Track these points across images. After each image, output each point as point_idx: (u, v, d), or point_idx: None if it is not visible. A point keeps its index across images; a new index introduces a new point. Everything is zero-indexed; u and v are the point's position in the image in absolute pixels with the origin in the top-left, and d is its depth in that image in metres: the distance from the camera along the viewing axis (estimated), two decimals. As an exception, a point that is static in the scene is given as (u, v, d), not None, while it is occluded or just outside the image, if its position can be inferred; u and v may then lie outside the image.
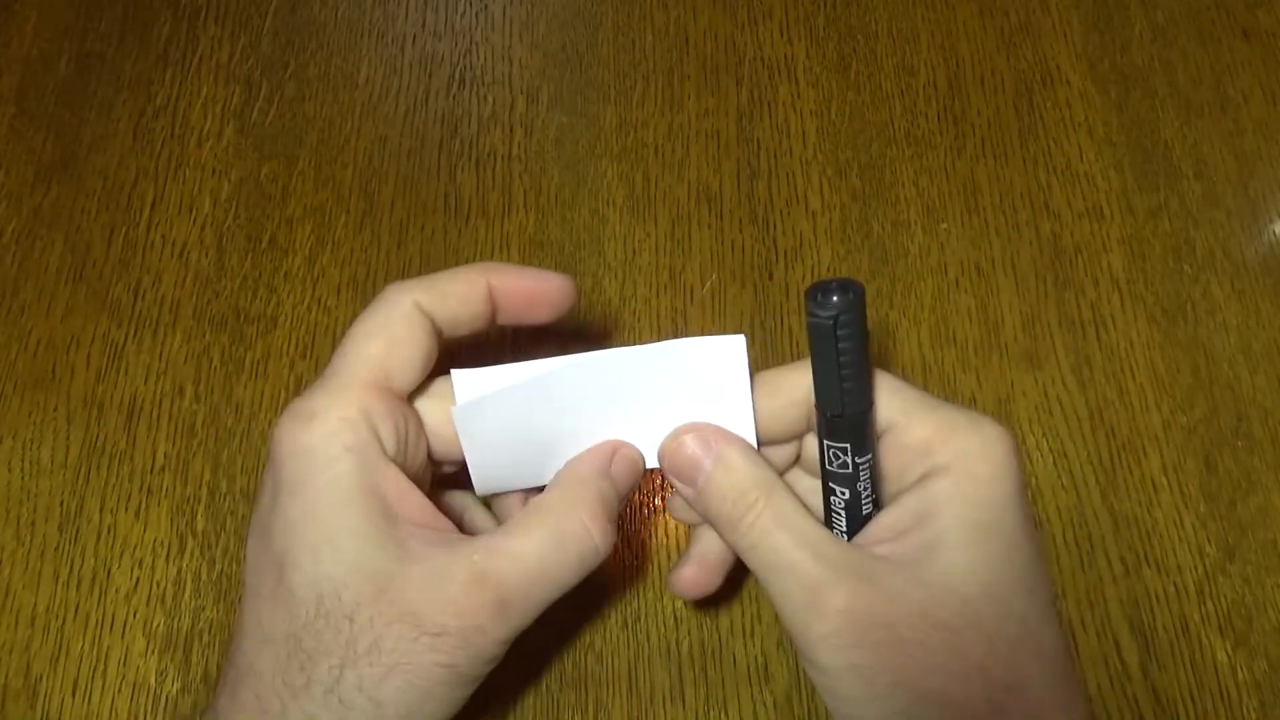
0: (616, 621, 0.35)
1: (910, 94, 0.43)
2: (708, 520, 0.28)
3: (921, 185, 0.42)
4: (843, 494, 0.28)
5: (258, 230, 0.41)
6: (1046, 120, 0.43)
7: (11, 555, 0.35)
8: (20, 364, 0.38)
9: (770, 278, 0.40)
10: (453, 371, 0.28)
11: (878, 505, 0.28)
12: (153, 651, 0.34)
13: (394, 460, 0.27)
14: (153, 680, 0.34)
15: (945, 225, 0.41)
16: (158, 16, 0.45)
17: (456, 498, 0.32)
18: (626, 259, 0.40)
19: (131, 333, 0.39)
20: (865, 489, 0.27)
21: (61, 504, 0.36)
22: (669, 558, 0.35)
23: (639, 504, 0.36)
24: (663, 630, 0.35)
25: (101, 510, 0.36)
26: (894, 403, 0.27)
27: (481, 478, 0.30)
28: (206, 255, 0.40)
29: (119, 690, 0.34)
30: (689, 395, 0.28)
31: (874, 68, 0.44)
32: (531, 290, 0.29)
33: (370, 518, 0.25)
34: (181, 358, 0.38)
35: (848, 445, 0.27)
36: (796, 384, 0.28)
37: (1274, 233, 0.41)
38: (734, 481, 0.27)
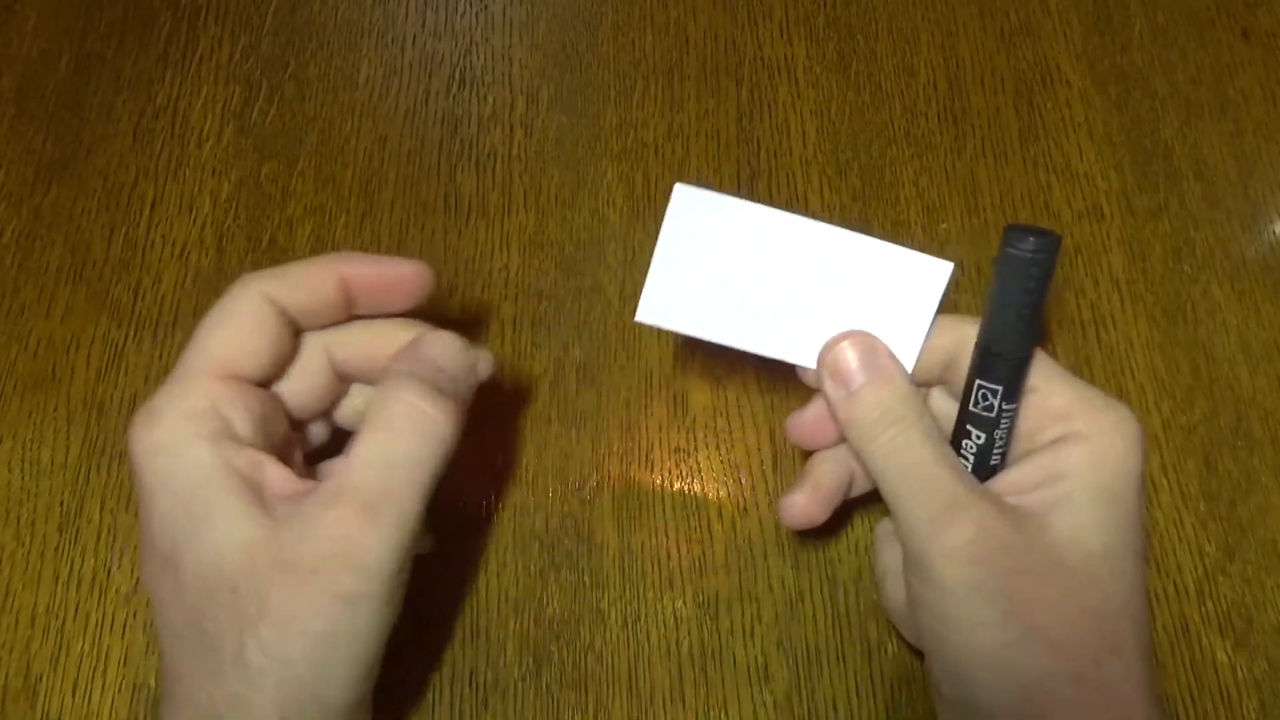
0: (616, 621, 0.35)
1: (910, 94, 0.43)
2: (849, 429, 0.28)
3: (921, 185, 0.42)
4: (979, 438, 0.28)
5: (258, 230, 0.41)
6: (1046, 120, 0.43)
7: (11, 555, 0.35)
8: (20, 364, 0.38)
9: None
10: (676, 185, 0.28)
11: (1003, 461, 0.28)
12: (153, 651, 0.34)
13: (250, 443, 0.27)
14: (152, 680, 0.34)
15: (945, 225, 0.41)
16: (158, 16, 0.45)
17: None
18: (626, 259, 0.40)
19: (131, 333, 0.39)
20: (1001, 438, 0.28)
21: (61, 504, 0.36)
22: (669, 557, 0.36)
23: (639, 505, 0.36)
24: (663, 630, 0.35)
25: (101, 510, 0.36)
26: (1039, 368, 0.28)
27: (652, 299, 0.29)
28: (206, 255, 0.40)
29: (119, 690, 0.34)
30: (878, 298, 0.29)
31: (874, 68, 0.44)
32: (384, 278, 0.29)
33: (233, 495, 0.25)
34: (181, 358, 0.38)
35: (1000, 388, 0.27)
36: (943, 331, 0.29)
37: (1274, 233, 0.41)
38: (889, 393, 0.28)
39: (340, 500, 0.25)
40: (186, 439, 0.26)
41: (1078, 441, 0.27)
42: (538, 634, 0.34)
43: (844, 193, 0.41)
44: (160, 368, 0.38)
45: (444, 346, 0.29)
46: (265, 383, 0.29)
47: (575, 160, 0.42)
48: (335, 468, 0.26)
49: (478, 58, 0.44)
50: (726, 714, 0.33)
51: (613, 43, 0.44)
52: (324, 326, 0.30)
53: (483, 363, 0.30)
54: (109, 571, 0.35)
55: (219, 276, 0.40)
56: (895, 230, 0.41)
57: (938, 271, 0.28)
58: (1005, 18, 0.45)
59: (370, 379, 0.31)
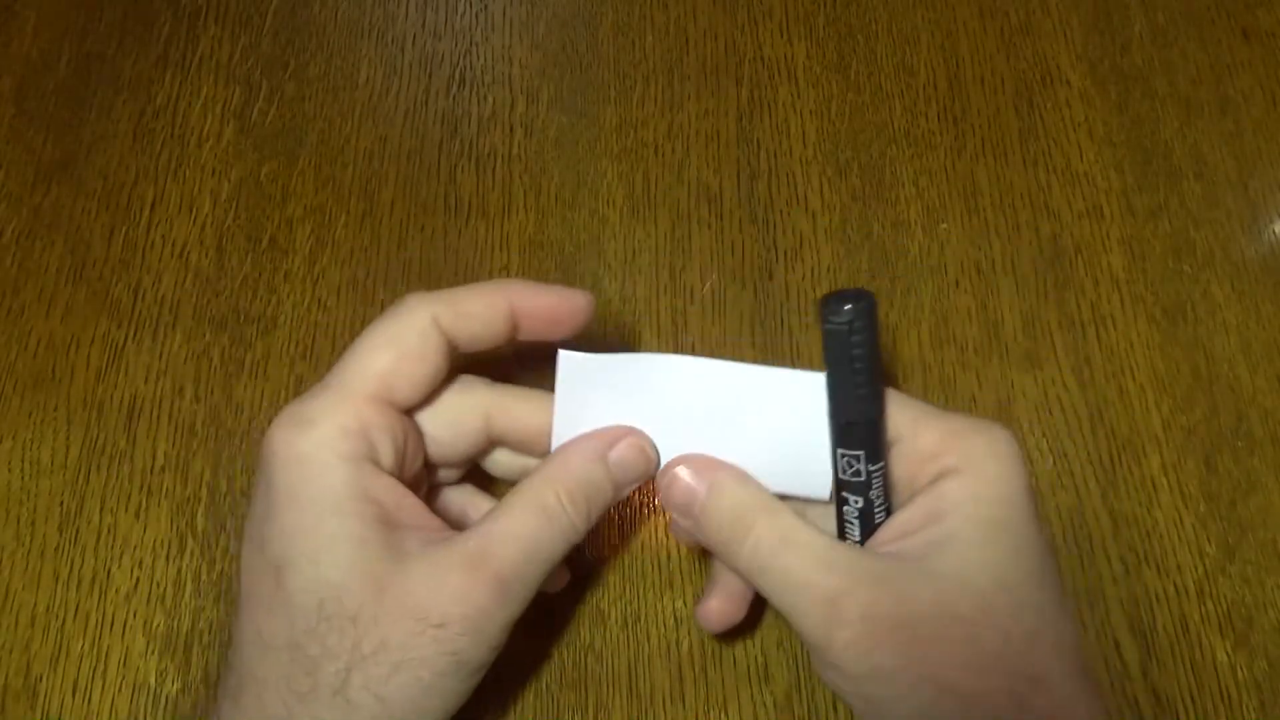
0: (616, 621, 0.35)
1: (910, 94, 0.43)
2: (712, 550, 0.29)
3: (921, 185, 0.42)
4: (856, 502, 0.28)
5: (258, 230, 0.41)
6: (1046, 120, 0.43)
7: (11, 555, 0.35)
8: (20, 364, 0.38)
9: (770, 278, 0.40)
10: (560, 351, 0.29)
11: (889, 514, 0.28)
12: (153, 651, 0.34)
13: (390, 472, 0.27)
14: (153, 680, 0.34)
15: (945, 225, 0.41)
16: (158, 16, 0.45)
17: (455, 496, 0.32)
18: (626, 259, 0.40)
19: (131, 333, 0.39)
20: (878, 497, 0.28)
21: (61, 504, 0.36)
22: (669, 557, 0.36)
23: (639, 504, 0.36)
24: (663, 630, 0.35)
25: (101, 510, 0.36)
26: (899, 414, 0.28)
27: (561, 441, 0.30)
28: (206, 255, 0.40)
29: (119, 690, 0.34)
30: (771, 421, 0.29)
31: (874, 68, 0.44)
32: (554, 308, 0.29)
33: (367, 523, 0.25)
34: (181, 358, 0.38)
35: (861, 453, 0.27)
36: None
37: (1274, 233, 0.41)
38: (730, 505, 0.27)
39: (481, 567, 0.25)
40: (333, 456, 0.26)
41: (951, 477, 0.26)
42: (537, 634, 0.34)
43: (844, 193, 0.41)
44: (160, 367, 0.38)
45: (644, 459, 0.29)
46: (414, 408, 0.29)
47: (575, 160, 0.42)
48: (477, 527, 0.26)
49: (478, 58, 0.44)
50: (726, 714, 0.33)
51: (613, 43, 0.44)
52: (483, 349, 0.29)
53: (625, 491, 0.29)
54: (109, 571, 0.35)
55: (219, 276, 0.40)
56: (895, 230, 0.41)
57: (814, 384, 0.28)
58: (1005, 18, 0.45)
59: (523, 450, 0.30)
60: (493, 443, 0.31)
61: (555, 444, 0.29)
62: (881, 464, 0.28)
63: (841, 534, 0.29)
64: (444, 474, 0.31)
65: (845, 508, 0.28)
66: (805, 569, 0.26)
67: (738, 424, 0.29)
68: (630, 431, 0.29)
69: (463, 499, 0.32)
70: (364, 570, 0.25)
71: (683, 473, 0.28)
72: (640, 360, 0.29)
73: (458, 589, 0.25)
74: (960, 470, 0.26)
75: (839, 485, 0.28)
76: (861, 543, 0.28)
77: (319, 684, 0.24)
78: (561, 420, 0.29)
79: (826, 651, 0.25)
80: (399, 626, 0.24)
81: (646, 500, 0.37)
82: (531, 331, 0.29)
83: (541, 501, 0.27)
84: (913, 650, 0.24)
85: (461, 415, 0.29)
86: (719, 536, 0.27)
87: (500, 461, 0.32)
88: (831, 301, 0.26)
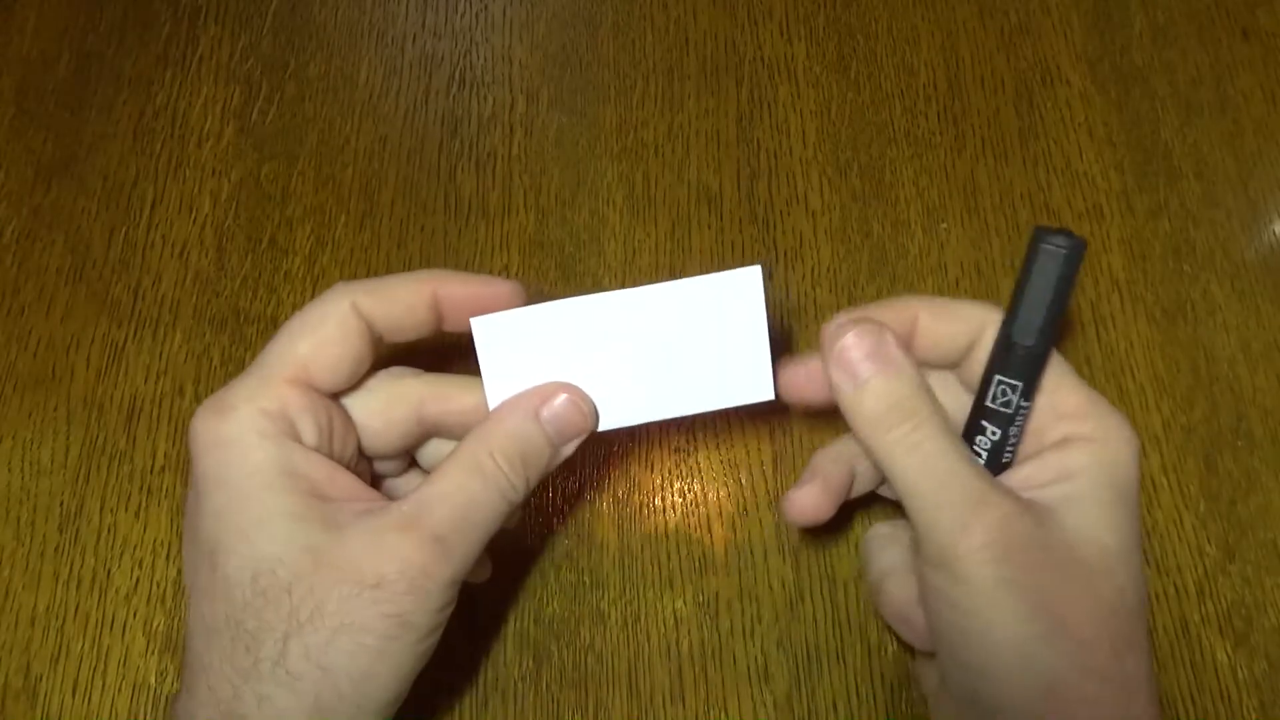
0: (616, 621, 0.35)
1: (910, 94, 0.43)
2: (858, 424, 0.28)
3: (921, 185, 0.42)
4: (994, 434, 0.28)
5: (258, 230, 0.41)
6: (1046, 120, 0.43)
7: (11, 555, 0.35)
8: (20, 364, 0.38)
9: (770, 278, 0.40)
10: (471, 320, 0.28)
11: (1011, 461, 0.28)
12: (153, 651, 0.34)
13: (317, 449, 0.27)
14: (153, 680, 0.34)
15: (945, 225, 0.41)
16: (158, 16, 0.45)
17: (401, 486, 0.32)
18: (626, 259, 0.40)
19: (131, 333, 0.39)
20: (1015, 435, 0.28)
21: (61, 504, 0.36)
22: (669, 558, 0.36)
23: (639, 505, 0.36)
24: (663, 630, 0.35)
25: (101, 510, 0.36)
26: (1051, 369, 0.28)
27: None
28: (206, 255, 0.40)
29: (119, 690, 0.34)
30: (706, 333, 0.29)
31: (874, 68, 0.44)
32: (479, 297, 0.29)
33: (297, 497, 0.25)
34: (181, 358, 0.38)
35: (1020, 384, 0.28)
36: (967, 315, 0.29)
37: (1274, 233, 0.41)
38: (899, 386, 0.27)
39: (416, 526, 0.25)
40: (254, 437, 0.26)
41: (1086, 443, 0.27)
42: (538, 634, 0.34)
43: (844, 193, 0.41)
44: (160, 367, 0.38)
45: (580, 415, 0.29)
46: (337, 394, 0.29)
47: (575, 160, 0.42)
48: (411, 493, 0.26)
49: (478, 58, 0.44)
50: (726, 714, 0.33)
51: (613, 43, 0.44)
52: (408, 340, 0.29)
53: (566, 449, 0.29)
54: (109, 571, 0.35)
55: (219, 276, 0.40)
56: (895, 230, 0.41)
57: (749, 279, 0.28)
58: (1005, 18, 0.45)
59: (459, 436, 0.29)
60: (427, 432, 0.30)
61: (490, 400, 0.29)
62: (1031, 403, 0.28)
63: None
64: (383, 466, 0.31)
65: (980, 437, 0.28)
66: (956, 463, 0.26)
67: (673, 347, 0.29)
68: (563, 387, 0.28)
69: (409, 487, 0.32)
70: (298, 542, 0.25)
71: (854, 345, 0.27)
72: (559, 307, 0.28)
73: (394, 549, 0.25)
74: (1095, 439, 0.27)
75: (981, 413, 0.28)
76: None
77: (260, 659, 0.24)
78: (493, 389, 0.29)
79: (954, 551, 0.25)
80: (335, 591, 0.24)
81: (647, 500, 0.37)
82: (456, 322, 0.29)
83: (475, 461, 0.27)
84: (1041, 577, 0.25)
85: (391, 404, 0.29)
86: (876, 411, 0.27)
87: (437, 454, 0.31)
88: (1049, 229, 0.27)
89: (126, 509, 0.36)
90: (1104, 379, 0.38)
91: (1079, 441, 0.27)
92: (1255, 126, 0.43)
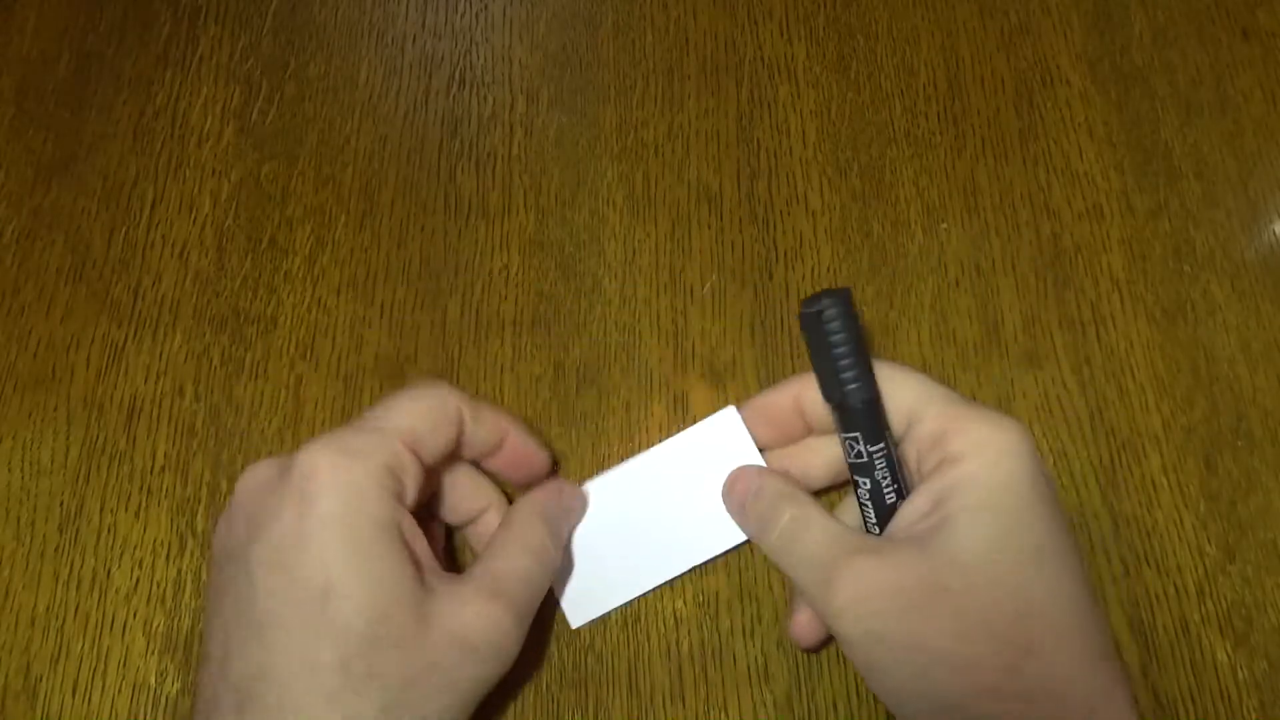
0: (616, 621, 0.35)
1: (910, 94, 0.43)
2: (755, 540, 0.32)
3: (921, 185, 0.42)
4: (864, 484, 0.30)
5: (258, 230, 0.41)
6: (1046, 120, 0.43)
7: (11, 555, 0.35)
8: (20, 364, 0.38)
9: (770, 278, 0.40)
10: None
11: (903, 495, 0.29)
12: (153, 651, 0.34)
13: (412, 512, 0.29)
14: (153, 680, 0.34)
15: (945, 225, 0.41)
16: (158, 16, 0.45)
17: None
18: (626, 259, 0.40)
19: (131, 333, 0.39)
20: (884, 478, 0.29)
21: (61, 504, 0.36)
22: (670, 582, 0.35)
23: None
24: (663, 630, 0.35)
25: (101, 510, 0.36)
26: (912, 397, 0.30)
27: (573, 610, 0.34)
28: (206, 255, 0.40)
29: (119, 690, 0.34)
30: (710, 473, 0.34)
31: (874, 68, 0.44)
32: (525, 459, 0.34)
33: (403, 555, 0.27)
34: (181, 358, 0.38)
35: (858, 435, 0.29)
36: (779, 402, 0.33)
37: (1274, 233, 0.41)
38: (761, 502, 0.31)
39: (498, 598, 0.28)
40: (378, 489, 0.27)
41: (954, 464, 0.28)
42: (538, 634, 0.34)
43: (844, 193, 0.41)
44: (160, 367, 0.38)
45: (579, 505, 0.34)
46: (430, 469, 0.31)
47: (575, 160, 0.42)
48: (477, 566, 0.30)
49: (478, 58, 0.44)
50: (726, 714, 0.33)
51: (613, 43, 0.44)
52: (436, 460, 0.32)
53: (578, 515, 0.34)
54: (109, 571, 0.35)
55: (219, 276, 0.40)
56: (895, 230, 0.41)
57: (729, 420, 0.34)
58: (1005, 18, 0.45)
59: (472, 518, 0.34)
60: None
61: (566, 608, 0.34)
62: (881, 445, 0.29)
63: (863, 518, 0.30)
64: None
65: (858, 490, 0.30)
66: (813, 546, 0.29)
67: (689, 498, 0.34)
68: (565, 484, 0.34)
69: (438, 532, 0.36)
70: (405, 600, 0.27)
71: (731, 487, 0.33)
72: (585, 490, 0.34)
73: (487, 616, 0.28)
74: (962, 456, 0.28)
75: (850, 469, 0.30)
76: (879, 524, 0.30)
77: (366, 705, 0.25)
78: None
79: (828, 617, 0.28)
80: (447, 652, 0.27)
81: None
82: (493, 464, 0.33)
83: (528, 541, 0.30)
84: (902, 617, 0.26)
85: (473, 494, 0.34)
86: (749, 524, 0.32)
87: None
88: (812, 297, 0.29)
89: (126, 509, 0.36)
90: (1104, 379, 0.38)
91: (947, 463, 0.28)
92: (1255, 126, 0.43)
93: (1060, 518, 0.28)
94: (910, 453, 0.30)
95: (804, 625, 0.32)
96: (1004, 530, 0.27)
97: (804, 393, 0.32)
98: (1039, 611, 0.26)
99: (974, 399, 0.30)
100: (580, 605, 0.34)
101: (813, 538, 0.29)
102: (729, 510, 0.33)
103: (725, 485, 0.33)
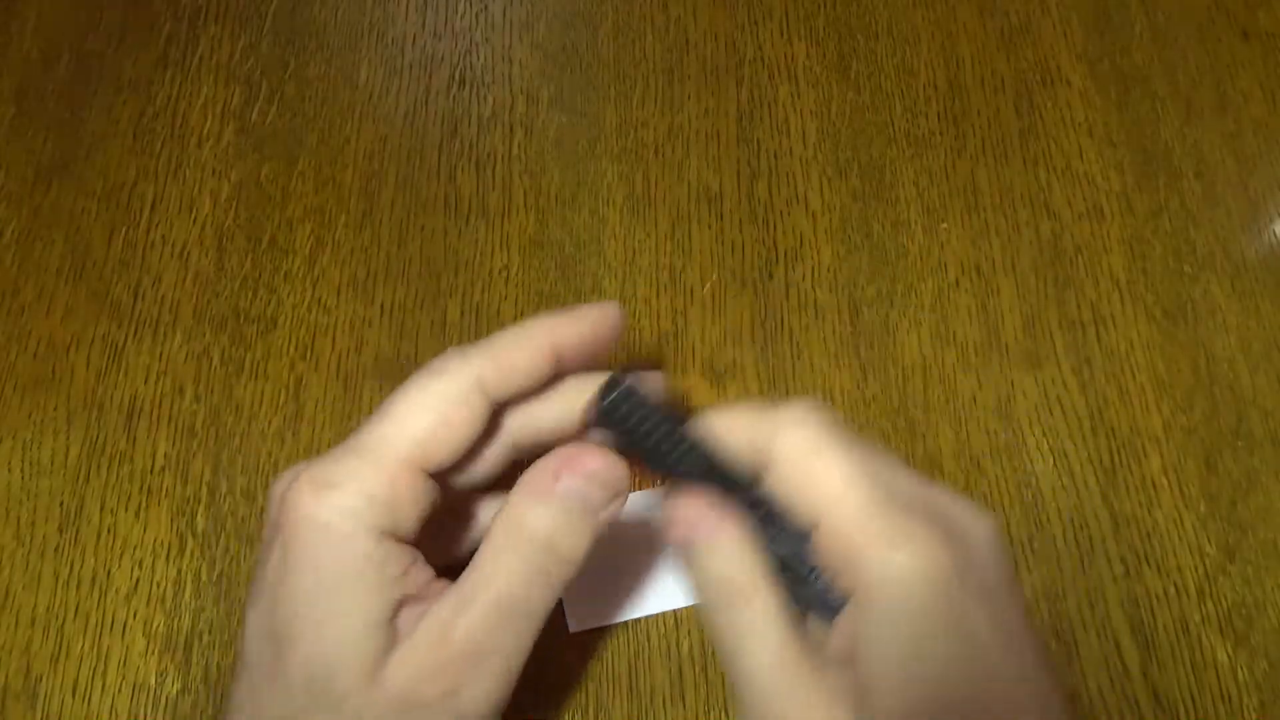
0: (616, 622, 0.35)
1: (910, 94, 0.43)
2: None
3: (921, 185, 0.42)
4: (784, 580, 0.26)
5: (258, 230, 0.41)
6: (1046, 120, 0.43)
7: (11, 555, 0.35)
8: (20, 364, 0.38)
9: (770, 278, 0.40)
10: None
11: (812, 574, 0.25)
12: (153, 652, 0.34)
13: (409, 538, 0.26)
14: (153, 681, 0.34)
15: (945, 225, 0.41)
16: (158, 16, 0.45)
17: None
18: (626, 259, 0.40)
19: (131, 333, 0.39)
20: (785, 553, 0.26)
21: (61, 504, 0.36)
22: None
23: (639, 504, 0.36)
24: (663, 630, 0.35)
25: (101, 510, 0.36)
26: (822, 494, 0.25)
27: (575, 615, 0.34)
28: (206, 255, 0.40)
29: (119, 691, 0.34)
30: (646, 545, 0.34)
31: (874, 68, 0.44)
32: (593, 333, 0.28)
33: (374, 601, 0.24)
34: (181, 358, 0.38)
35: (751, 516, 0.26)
36: (743, 431, 0.26)
37: (1274, 233, 0.41)
38: (718, 574, 0.25)
39: (446, 643, 0.24)
40: (353, 524, 0.24)
41: (860, 607, 0.24)
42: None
43: (844, 193, 0.41)
44: (160, 368, 0.38)
45: (609, 485, 0.26)
46: (445, 471, 0.27)
47: (575, 160, 0.42)
48: (437, 623, 0.25)
49: (478, 58, 0.44)
50: (726, 714, 0.33)
51: (613, 43, 0.44)
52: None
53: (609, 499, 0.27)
54: (109, 571, 0.35)
55: (219, 276, 0.40)
56: (895, 230, 0.41)
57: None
58: (1005, 18, 0.45)
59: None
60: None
61: (569, 614, 0.33)
62: (757, 506, 0.26)
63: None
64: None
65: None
66: (752, 670, 0.24)
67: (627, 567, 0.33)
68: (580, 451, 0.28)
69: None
70: (359, 651, 0.24)
71: (682, 515, 0.26)
72: None
73: (429, 668, 0.24)
74: (867, 597, 0.24)
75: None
76: (795, 602, 0.26)
77: None
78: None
79: None
80: (382, 713, 0.24)
81: (646, 500, 0.36)
82: (574, 365, 0.28)
83: (503, 594, 0.25)
84: None
85: (490, 456, 0.28)
86: (704, 595, 0.26)
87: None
88: (599, 395, 0.25)
89: (126, 509, 0.36)
90: (1104, 379, 0.38)
91: (853, 605, 0.24)
92: (1255, 126, 0.43)
93: (989, 638, 0.24)
94: (830, 550, 0.25)
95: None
96: (948, 639, 0.23)
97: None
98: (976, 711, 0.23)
99: (895, 494, 0.25)
100: (584, 612, 0.34)
101: (753, 660, 0.24)
102: (670, 541, 0.27)
103: (669, 508, 0.27)
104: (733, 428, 0.26)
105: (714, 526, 0.26)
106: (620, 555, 0.33)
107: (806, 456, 0.25)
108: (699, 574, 0.26)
